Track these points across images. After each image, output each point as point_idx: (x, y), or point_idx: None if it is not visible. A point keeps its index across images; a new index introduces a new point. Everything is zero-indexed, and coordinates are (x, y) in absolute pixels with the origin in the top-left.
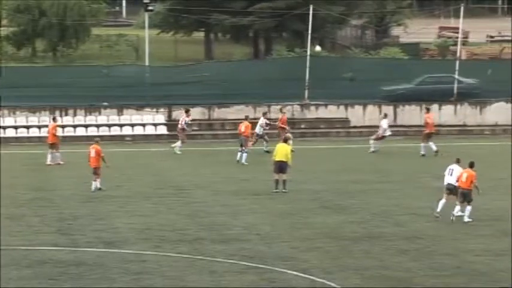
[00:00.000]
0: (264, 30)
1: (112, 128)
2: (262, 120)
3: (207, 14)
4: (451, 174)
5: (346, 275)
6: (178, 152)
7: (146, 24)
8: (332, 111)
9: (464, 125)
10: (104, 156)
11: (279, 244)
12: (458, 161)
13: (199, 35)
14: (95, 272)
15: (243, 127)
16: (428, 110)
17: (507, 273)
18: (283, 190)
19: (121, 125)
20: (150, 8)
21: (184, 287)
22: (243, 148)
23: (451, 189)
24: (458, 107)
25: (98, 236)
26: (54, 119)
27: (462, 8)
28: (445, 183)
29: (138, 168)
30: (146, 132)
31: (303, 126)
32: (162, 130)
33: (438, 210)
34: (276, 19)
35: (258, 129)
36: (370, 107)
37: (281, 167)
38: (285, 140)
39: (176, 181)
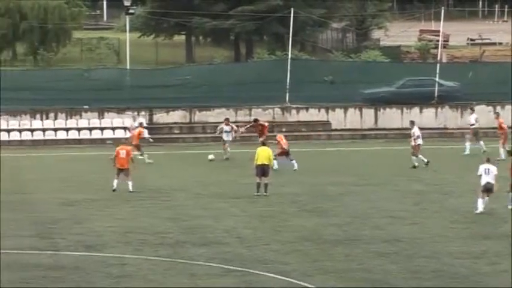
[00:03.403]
0: (245, 33)
1: (93, 132)
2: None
3: (188, 17)
4: (488, 173)
5: (325, 277)
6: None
7: (127, 28)
8: (313, 114)
9: (445, 128)
10: (132, 157)
11: (259, 247)
12: (488, 160)
13: (180, 38)
14: (75, 275)
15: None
16: (498, 114)
17: (488, 276)
18: (265, 193)
19: (102, 128)
20: (131, 11)
21: None
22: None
23: (490, 188)
24: (439, 110)
25: (78, 239)
26: (141, 124)
27: (443, 11)
28: (483, 182)
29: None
30: (127, 135)
31: (284, 129)
32: (144, 133)
33: (480, 209)
34: (257, 22)
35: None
36: (351, 110)
37: (264, 170)
38: (264, 143)
39: (157, 184)
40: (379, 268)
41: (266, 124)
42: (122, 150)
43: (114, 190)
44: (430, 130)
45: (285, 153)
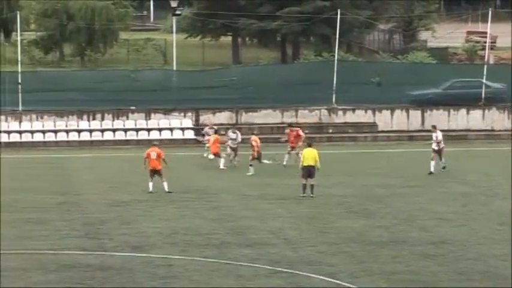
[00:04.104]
0: (291, 34)
1: (140, 132)
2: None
3: (234, 18)
4: None
5: (372, 279)
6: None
7: (174, 29)
8: (360, 116)
9: (492, 130)
10: (164, 158)
11: (305, 248)
12: None
13: (227, 39)
14: (122, 276)
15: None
16: None
17: None
18: (311, 195)
19: (148, 130)
20: (177, 12)
21: None
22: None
23: None
24: (486, 111)
25: (125, 240)
26: (216, 132)
27: (490, 12)
28: None
29: (164, 172)
30: (174, 137)
31: (330, 130)
32: (189, 134)
33: None
34: (304, 23)
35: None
36: (397, 112)
37: (310, 171)
38: (310, 145)
39: (202, 185)
40: (425, 270)
41: (298, 129)
42: (153, 152)
43: (150, 192)
44: (477, 132)
45: (257, 157)
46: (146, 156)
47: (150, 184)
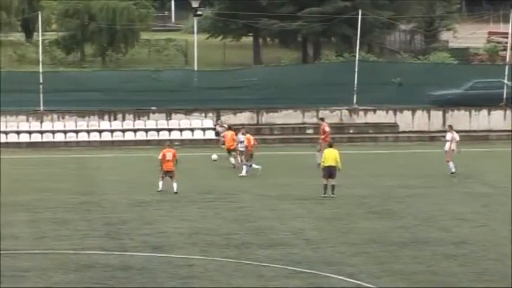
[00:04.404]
0: (312, 34)
1: (161, 133)
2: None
3: (256, 19)
4: None
5: (393, 279)
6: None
7: (195, 29)
8: (380, 116)
9: None
10: (177, 159)
11: (326, 249)
12: None
13: (248, 39)
14: (142, 276)
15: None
16: None
17: None
18: (332, 195)
19: (169, 130)
20: (198, 12)
21: None
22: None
23: None
24: (508, 112)
25: (145, 240)
26: (229, 128)
27: None
28: None
29: (185, 173)
30: (195, 137)
31: (351, 131)
32: (211, 135)
33: None
34: (325, 24)
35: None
36: (418, 112)
37: (331, 172)
38: (331, 145)
39: (223, 186)
40: (446, 270)
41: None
42: (168, 153)
43: (160, 191)
44: (498, 132)
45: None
46: (162, 157)
47: (160, 183)
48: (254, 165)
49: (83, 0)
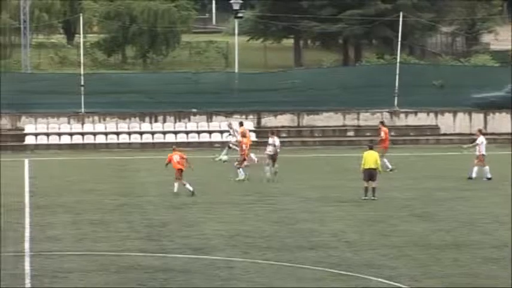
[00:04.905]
0: (353, 37)
1: (201, 135)
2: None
3: (297, 21)
4: None
5: (433, 282)
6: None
7: (236, 31)
8: (422, 119)
9: None
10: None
11: (366, 251)
12: None
13: (289, 41)
14: (182, 278)
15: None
16: None
17: None
18: (373, 197)
19: (210, 132)
20: (239, 14)
21: None
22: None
23: None
24: None
25: (186, 242)
26: (241, 124)
27: None
28: None
29: (225, 174)
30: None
31: (392, 133)
32: (251, 137)
33: None
34: (366, 26)
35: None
36: (460, 115)
37: (371, 174)
38: (371, 147)
39: (263, 188)
40: (487, 274)
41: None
42: (175, 155)
43: (175, 193)
44: None
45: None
46: (168, 161)
47: (176, 184)
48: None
49: (125, 2)
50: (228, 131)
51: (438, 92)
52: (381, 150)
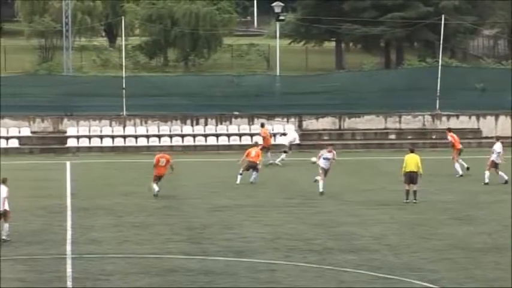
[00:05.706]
0: (395, 39)
1: (243, 138)
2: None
3: (338, 24)
4: None
5: (475, 286)
6: None
7: (277, 34)
8: (463, 122)
9: None
10: (172, 164)
11: (408, 255)
12: None
13: (330, 44)
14: (224, 280)
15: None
16: None
17: None
18: (414, 200)
19: (252, 135)
20: (281, 17)
21: None
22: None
23: None
24: None
25: (227, 245)
26: (262, 125)
27: None
28: None
29: (267, 177)
30: (276, 142)
31: (434, 136)
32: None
33: None
34: (407, 29)
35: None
36: (502, 118)
37: (412, 177)
38: (412, 151)
39: (305, 191)
40: None
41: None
42: (162, 159)
43: (156, 194)
44: None
45: (252, 166)
46: (156, 162)
47: (155, 186)
48: (239, 175)
49: (166, 5)
50: (283, 134)
51: (480, 95)
52: (455, 154)
